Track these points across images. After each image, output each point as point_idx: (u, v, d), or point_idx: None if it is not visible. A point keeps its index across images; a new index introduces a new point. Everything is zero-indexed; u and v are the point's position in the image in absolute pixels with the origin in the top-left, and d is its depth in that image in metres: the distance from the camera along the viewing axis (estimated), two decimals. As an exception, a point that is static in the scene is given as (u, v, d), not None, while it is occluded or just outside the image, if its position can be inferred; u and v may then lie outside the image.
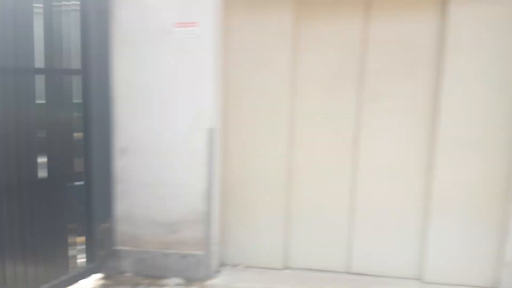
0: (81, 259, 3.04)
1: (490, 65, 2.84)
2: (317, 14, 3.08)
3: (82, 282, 3.02)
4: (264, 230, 3.34)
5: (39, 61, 2.63)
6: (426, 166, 3.07)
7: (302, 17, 3.10)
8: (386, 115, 3.07)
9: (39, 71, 2.62)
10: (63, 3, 2.77)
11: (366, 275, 3.27)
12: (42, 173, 2.69)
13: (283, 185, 3.26)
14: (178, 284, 3.11)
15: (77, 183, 3.00)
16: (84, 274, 3.04)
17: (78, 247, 3.02)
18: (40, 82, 2.64)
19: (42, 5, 2.59)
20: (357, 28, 3.03)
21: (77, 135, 2.96)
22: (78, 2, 2.86)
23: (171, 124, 3.08)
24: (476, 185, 2.99)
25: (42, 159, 2.70)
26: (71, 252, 2.94)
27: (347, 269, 3.31)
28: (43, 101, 2.68)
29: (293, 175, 3.27)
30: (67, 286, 2.89)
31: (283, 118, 3.18)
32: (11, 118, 2.47)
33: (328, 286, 3.10)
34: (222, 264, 3.39)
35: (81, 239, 3.06)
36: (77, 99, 2.95)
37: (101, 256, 3.14)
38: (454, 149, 2.96)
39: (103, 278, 3.16)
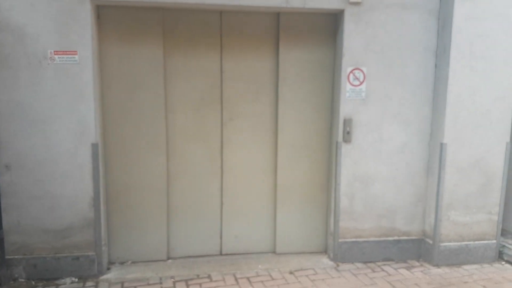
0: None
1: (310, 93, 4.03)
2: (183, 49, 3.83)
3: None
4: (148, 229, 3.96)
5: None
6: (272, 166, 4.13)
7: (171, 49, 3.81)
8: (241, 129, 4.03)
9: None
10: None
11: (235, 254, 4.19)
12: None
13: (163, 189, 3.92)
14: (73, 282, 3.58)
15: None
16: (-24, 285, 3.31)
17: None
18: None
19: None
20: (215, 61, 3.90)
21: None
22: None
23: (57, 141, 3.49)
24: (307, 178, 4.17)
25: None
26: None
27: (220, 252, 4.17)
28: None
29: (172, 180, 3.97)
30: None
31: (160, 133, 3.84)
32: None
33: (204, 267, 3.91)
34: (111, 263, 3.92)
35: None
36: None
37: (-8, 267, 3.41)
38: (290, 153, 4.10)
39: (-4, 287, 3.45)
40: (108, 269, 3.82)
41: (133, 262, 3.97)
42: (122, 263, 3.95)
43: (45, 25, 3.37)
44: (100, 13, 3.62)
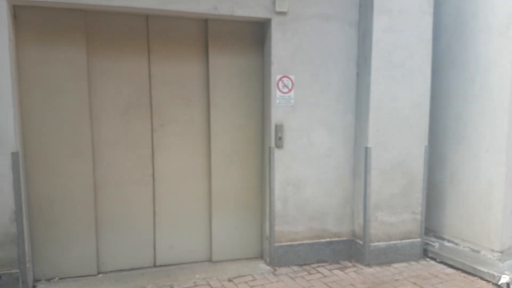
0: None
1: (241, 100, 4.14)
2: (109, 53, 3.78)
3: None
4: (76, 243, 3.79)
5: None
6: (206, 173, 4.16)
7: (95, 53, 3.74)
8: (173, 135, 4.02)
9: None
10: None
11: (171, 265, 4.13)
12: None
13: (90, 200, 3.79)
14: (-6, 303, 3.35)
15: None
16: None
17: None
18: None
19: None
20: (143, 66, 3.88)
21: None
22: None
23: None
24: (241, 184, 4.24)
25: None
26: None
27: (154, 263, 4.08)
28: None
29: (99, 190, 3.85)
30: None
31: (85, 140, 3.73)
32: None
33: (138, 280, 3.81)
34: (37, 280, 3.70)
35: None
36: None
37: None
38: (224, 159, 4.16)
39: None
40: (34, 287, 3.61)
41: (61, 279, 3.78)
42: (48, 280, 3.75)
43: None
44: (17, 14, 3.46)
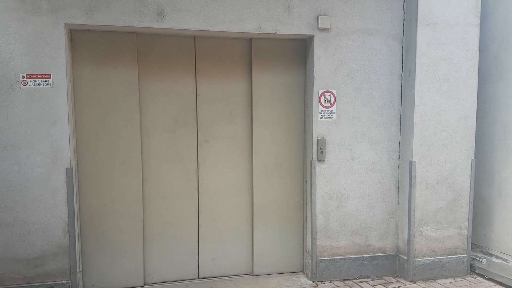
0: None
1: (283, 115, 4.24)
2: (158, 72, 3.97)
3: None
4: (124, 254, 3.96)
5: None
6: (248, 186, 4.26)
7: (145, 73, 3.94)
8: (217, 151, 4.16)
9: None
10: None
11: (213, 277, 4.25)
12: None
13: (138, 213, 3.96)
14: (47, 311, 3.54)
15: None
16: None
17: None
18: None
19: None
20: (190, 84, 4.05)
21: None
22: None
23: (29, 166, 3.50)
24: (283, 198, 4.31)
25: None
26: None
27: (198, 275, 4.21)
28: None
29: (147, 203, 4.02)
30: None
31: (135, 156, 3.92)
32: None
33: None
34: None
35: None
36: None
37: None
38: (265, 173, 4.25)
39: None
40: (84, 296, 3.81)
41: (109, 289, 3.99)
42: (98, 290, 3.96)
43: (17, 48, 3.42)
44: (74, 37, 3.71)
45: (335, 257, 4.20)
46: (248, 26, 3.83)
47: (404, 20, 4.16)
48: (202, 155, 4.13)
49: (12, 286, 3.53)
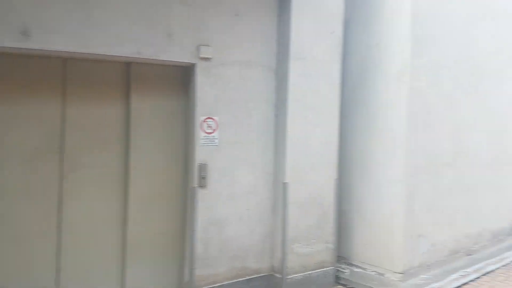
0: None
1: (164, 141, 4.10)
2: (17, 96, 3.47)
3: None
4: None
5: None
6: (121, 220, 3.94)
7: (3, 98, 3.39)
8: (86, 181, 3.77)
9: None
10: None
11: None
12: None
13: None
14: None
15: None
16: None
17: None
18: None
19: None
20: (56, 109, 3.62)
21: None
22: None
23: None
24: (161, 229, 4.12)
25: None
26: None
27: None
28: None
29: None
30: None
31: None
32: None
33: None
34: None
35: None
36: None
37: None
38: (143, 204, 4.01)
39: None
40: None
41: None
42: None
43: None
44: None
45: (213, 285, 4.15)
46: (126, 50, 3.63)
47: (278, 53, 4.45)
48: (67, 188, 3.69)
49: None
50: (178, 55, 3.88)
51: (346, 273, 4.92)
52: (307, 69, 4.44)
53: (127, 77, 3.94)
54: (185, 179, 4.23)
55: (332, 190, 4.73)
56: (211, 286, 4.18)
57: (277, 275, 4.52)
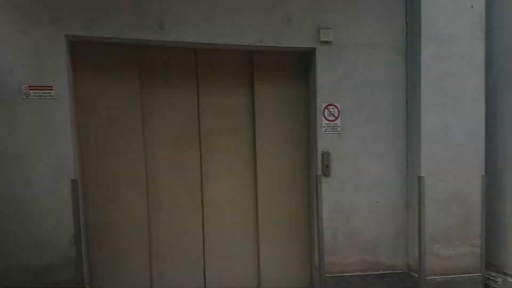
0: None
1: (287, 128, 4.09)
2: (160, 85, 3.88)
3: None
4: (130, 266, 3.84)
5: None
6: (252, 199, 4.08)
7: (147, 85, 3.85)
8: (220, 163, 4.02)
9: None
10: None
11: None
12: None
13: (144, 225, 3.84)
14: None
15: None
16: None
17: None
18: None
19: None
20: (192, 97, 3.95)
21: None
22: None
23: (35, 178, 3.41)
24: (289, 212, 4.12)
25: None
26: None
27: (204, 287, 4.05)
28: None
29: (152, 216, 3.89)
30: None
31: (138, 169, 3.80)
32: None
33: None
34: None
35: None
36: None
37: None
38: (269, 187, 4.07)
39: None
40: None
41: (117, 299, 3.77)
42: (105, 299, 3.75)
43: (19, 60, 3.35)
44: (75, 49, 3.62)
45: (345, 274, 3.96)
46: (248, 38, 3.74)
47: (407, 33, 4.03)
48: (205, 168, 4.00)
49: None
50: (297, 40, 3.82)
51: (498, 282, 4.04)
52: (442, 49, 3.86)
53: (250, 66, 4.05)
54: (308, 166, 4.13)
55: (478, 188, 3.98)
56: (342, 274, 3.98)
57: (414, 274, 4.02)
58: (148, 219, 3.88)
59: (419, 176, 3.92)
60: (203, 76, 3.98)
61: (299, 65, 4.12)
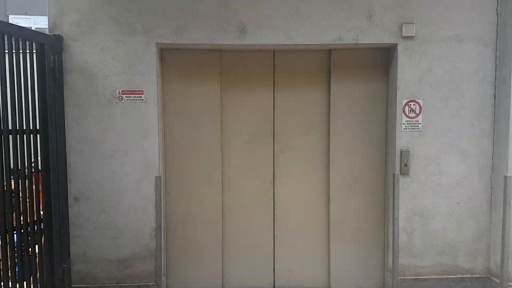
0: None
1: (362, 126, 3.98)
2: (237, 86, 3.94)
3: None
4: (204, 260, 3.96)
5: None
6: (325, 199, 4.04)
7: (227, 87, 3.92)
8: (293, 162, 4.01)
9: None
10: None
11: None
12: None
13: (218, 221, 3.94)
14: (133, 311, 3.58)
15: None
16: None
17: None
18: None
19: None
20: (268, 97, 3.96)
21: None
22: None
23: (123, 174, 3.65)
24: (361, 212, 4.02)
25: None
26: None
27: (273, 285, 4.07)
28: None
29: (226, 212, 3.98)
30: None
31: (216, 166, 3.91)
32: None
33: None
34: None
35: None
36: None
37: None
38: (342, 186, 4.00)
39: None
40: (166, 299, 3.82)
41: (191, 292, 3.95)
42: (181, 292, 3.94)
43: (114, 67, 3.61)
44: (163, 55, 3.82)
45: (419, 277, 3.81)
46: (328, 37, 3.67)
47: (497, 25, 3.73)
48: (278, 166, 4.01)
49: (103, 285, 3.68)
50: (378, 36, 3.68)
51: None
52: (537, 39, 3.54)
53: (327, 64, 3.97)
54: (385, 165, 4.00)
55: None
56: (416, 277, 3.85)
57: (495, 279, 3.79)
58: (222, 215, 3.99)
59: (505, 176, 3.66)
60: (280, 76, 3.98)
61: (378, 62, 3.97)
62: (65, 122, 3.64)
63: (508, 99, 3.62)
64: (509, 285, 3.69)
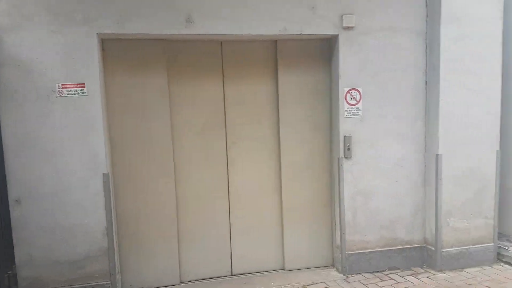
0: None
1: (309, 114, 4.12)
2: (186, 77, 3.89)
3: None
4: (159, 254, 3.91)
5: None
6: (277, 185, 4.17)
7: (174, 78, 3.85)
8: (245, 151, 4.07)
9: None
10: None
11: (246, 273, 4.18)
12: None
13: (172, 214, 3.90)
14: (88, 312, 3.46)
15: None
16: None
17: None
18: None
19: None
20: (218, 88, 3.96)
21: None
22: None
23: (68, 172, 3.45)
24: (311, 195, 4.21)
25: None
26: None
27: (231, 272, 4.16)
28: None
29: (180, 205, 3.95)
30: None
31: (168, 159, 3.84)
32: None
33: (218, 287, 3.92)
34: None
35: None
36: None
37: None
38: (293, 172, 4.14)
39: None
40: (122, 297, 3.72)
41: (146, 288, 3.89)
42: (135, 289, 3.86)
43: (53, 59, 3.36)
44: (105, 46, 3.63)
45: (364, 251, 4.10)
46: (273, 28, 3.71)
47: (427, 16, 4.00)
48: (231, 157, 4.04)
49: (55, 288, 3.47)
50: (321, 27, 3.79)
51: (509, 251, 4.26)
52: (461, 30, 3.87)
53: (274, 55, 4.03)
54: (331, 150, 4.19)
55: (493, 163, 4.11)
56: (362, 251, 4.12)
57: (431, 247, 4.18)
58: (176, 208, 3.95)
59: (436, 154, 4.02)
60: (228, 67, 3.98)
61: (322, 52, 4.10)
62: (0, 119, 3.35)
63: (437, 84, 3.94)
64: (443, 252, 4.09)
